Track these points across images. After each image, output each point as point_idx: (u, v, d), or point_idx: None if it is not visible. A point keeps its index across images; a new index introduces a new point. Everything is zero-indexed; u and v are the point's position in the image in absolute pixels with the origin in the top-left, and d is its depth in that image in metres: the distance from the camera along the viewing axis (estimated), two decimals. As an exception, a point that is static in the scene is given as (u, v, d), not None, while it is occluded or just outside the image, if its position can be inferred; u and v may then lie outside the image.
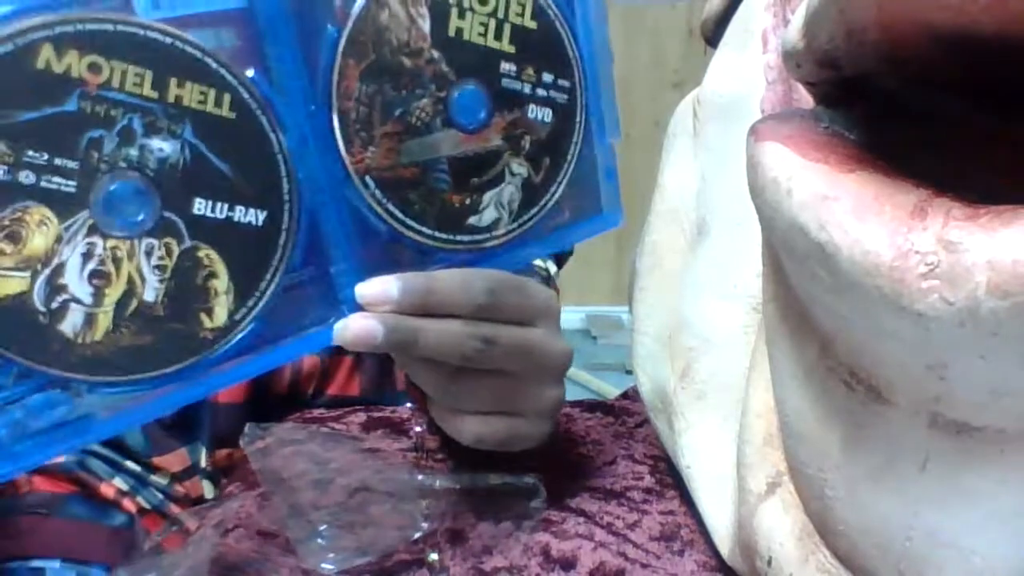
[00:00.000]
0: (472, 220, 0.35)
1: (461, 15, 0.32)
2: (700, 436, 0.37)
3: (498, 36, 0.33)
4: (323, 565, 0.36)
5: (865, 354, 0.22)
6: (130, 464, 0.51)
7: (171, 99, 0.27)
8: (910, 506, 0.22)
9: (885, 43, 0.20)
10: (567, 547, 0.38)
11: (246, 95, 0.28)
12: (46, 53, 0.24)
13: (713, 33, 0.39)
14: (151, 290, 0.27)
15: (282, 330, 0.31)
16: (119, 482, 0.50)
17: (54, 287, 0.26)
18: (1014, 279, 0.16)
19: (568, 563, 0.37)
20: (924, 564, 0.23)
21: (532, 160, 0.35)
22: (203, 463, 0.53)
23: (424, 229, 0.33)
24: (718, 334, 0.36)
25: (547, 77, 0.34)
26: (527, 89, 0.34)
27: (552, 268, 0.59)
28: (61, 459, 0.49)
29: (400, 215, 0.33)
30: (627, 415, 0.52)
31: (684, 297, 0.34)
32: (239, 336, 0.29)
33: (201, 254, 0.28)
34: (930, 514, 0.22)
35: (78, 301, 0.26)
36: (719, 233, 0.35)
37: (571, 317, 2.47)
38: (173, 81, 0.27)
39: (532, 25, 0.34)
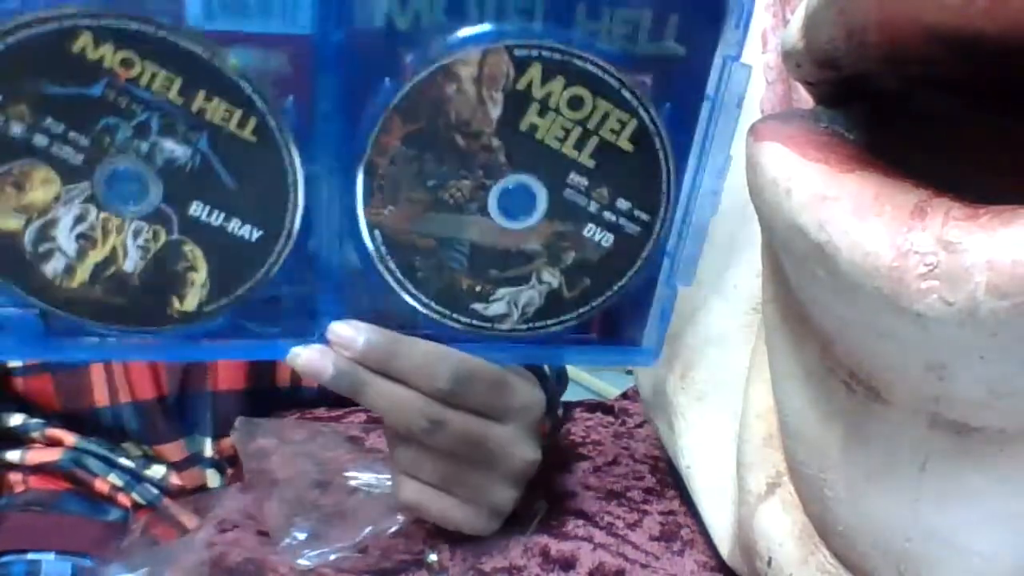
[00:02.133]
0: (477, 306, 0.32)
1: (542, 113, 0.29)
2: (700, 436, 0.37)
3: (579, 146, 0.29)
4: (299, 561, 0.36)
5: (865, 354, 0.22)
6: (124, 461, 0.51)
7: (195, 109, 0.27)
8: (910, 506, 0.22)
9: (885, 43, 0.20)
10: (567, 547, 0.38)
11: (272, 124, 0.28)
12: (84, 40, 0.25)
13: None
14: (131, 263, 0.29)
15: (253, 330, 0.31)
16: (114, 478, 0.50)
17: (44, 235, 0.28)
18: (1013, 280, 0.16)
19: (568, 563, 0.37)
20: (924, 564, 0.23)
21: (569, 275, 0.32)
22: (208, 452, 0.53)
23: (421, 296, 0.32)
24: (718, 334, 0.36)
25: (623, 204, 0.31)
26: (592, 207, 0.31)
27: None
28: (56, 457, 0.49)
29: (399, 275, 0.31)
30: (627, 415, 0.52)
31: (684, 297, 0.34)
32: (206, 324, 0.30)
33: (186, 248, 0.29)
34: (930, 514, 0.22)
35: (62, 252, 0.28)
36: (719, 233, 0.35)
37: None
38: (201, 94, 0.27)
39: (627, 147, 0.30)
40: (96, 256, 0.28)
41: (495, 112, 0.28)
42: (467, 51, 0.27)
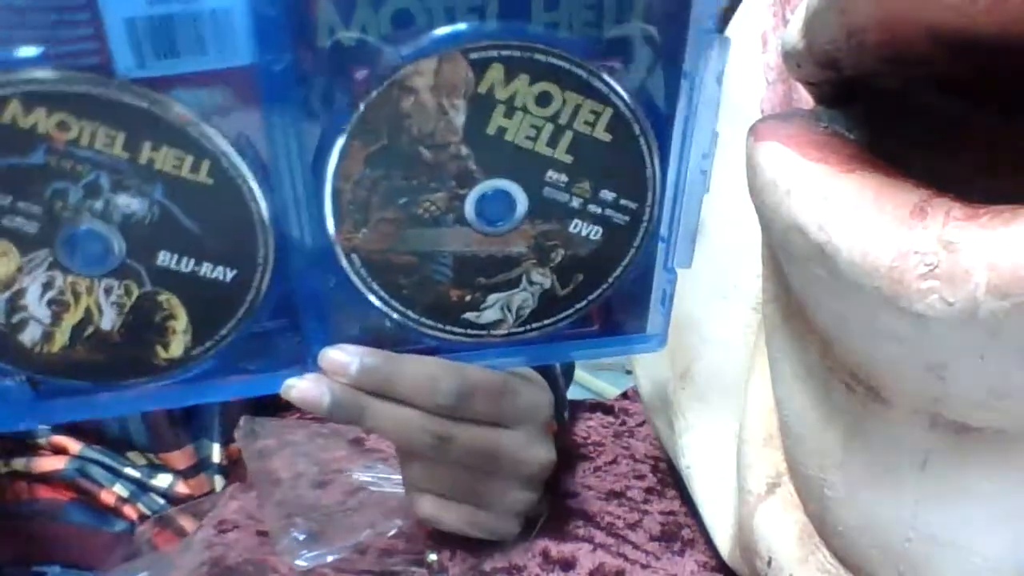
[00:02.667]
0: (469, 316, 0.31)
1: (509, 114, 0.27)
2: (700, 436, 0.37)
3: (552, 143, 0.28)
4: (297, 561, 0.36)
5: (865, 354, 0.22)
6: (130, 471, 0.51)
7: (143, 161, 0.25)
8: (910, 506, 0.22)
9: (885, 43, 0.20)
10: (567, 547, 0.38)
11: (227, 164, 0.26)
12: (12, 109, 0.24)
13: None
14: (108, 321, 0.28)
15: (245, 367, 0.30)
16: (119, 489, 0.50)
17: (14, 307, 0.27)
18: (1013, 279, 0.16)
19: (568, 564, 0.37)
20: (924, 564, 0.23)
21: (560, 273, 0.31)
22: (215, 458, 0.53)
23: (410, 313, 0.31)
24: (718, 334, 0.36)
25: (607, 195, 0.30)
26: (575, 203, 0.30)
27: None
28: (61, 466, 0.49)
29: (384, 295, 0.30)
30: (627, 415, 0.52)
31: (684, 297, 0.34)
32: (195, 368, 0.29)
33: (161, 298, 0.28)
34: (930, 514, 0.22)
35: (37, 320, 0.27)
36: (719, 233, 0.35)
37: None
38: (147, 145, 0.25)
39: (604, 137, 0.28)
40: (72, 319, 0.27)
41: (459, 120, 0.27)
42: (420, 62, 0.26)
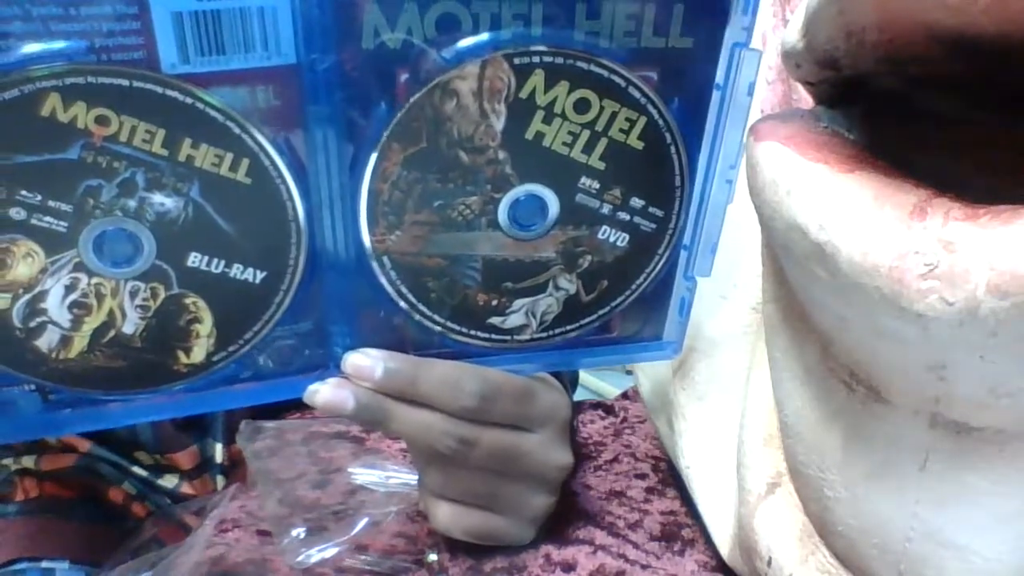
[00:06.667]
0: (494, 320, 0.31)
1: (547, 120, 0.27)
2: (700, 436, 0.37)
3: (587, 150, 0.28)
4: (299, 560, 0.36)
5: (865, 354, 0.22)
6: (137, 469, 0.51)
7: (182, 158, 0.25)
8: (910, 506, 0.22)
9: (885, 43, 0.20)
10: (567, 548, 0.38)
11: (267, 162, 0.26)
12: (52, 102, 0.23)
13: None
14: (131, 324, 0.27)
15: (265, 372, 0.30)
16: (127, 487, 0.50)
17: (34, 310, 0.26)
18: (1013, 279, 0.16)
19: (568, 565, 0.37)
20: (924, 564, 0.23)
21: (586, 279, 0.31)
22: (218, 458, 0.53)
23: (436, 317, 0.31)
24: (718, 334, 0.36)
25: (636, 202, 0.30)
26: (605, 209, 0.30)
27: None
28: (70, 463, 0.49)
29: (412, 298, 0.30)
30: (627, 415, 0.52)
31: (684, 297, 0.34)
32: (215, 373, 0.29)
33: (188, 301, 0.27)
34: (930, 514, 0.22)
35: (56, 324, 0.26)
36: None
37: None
38: (187, 142, 0.25)
39: (637, 145, 0.29)
40: (93, 322, 0.26)
41: (499, 124, 0.27)
42: (464, 65, 0.26)
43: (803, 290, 0.23)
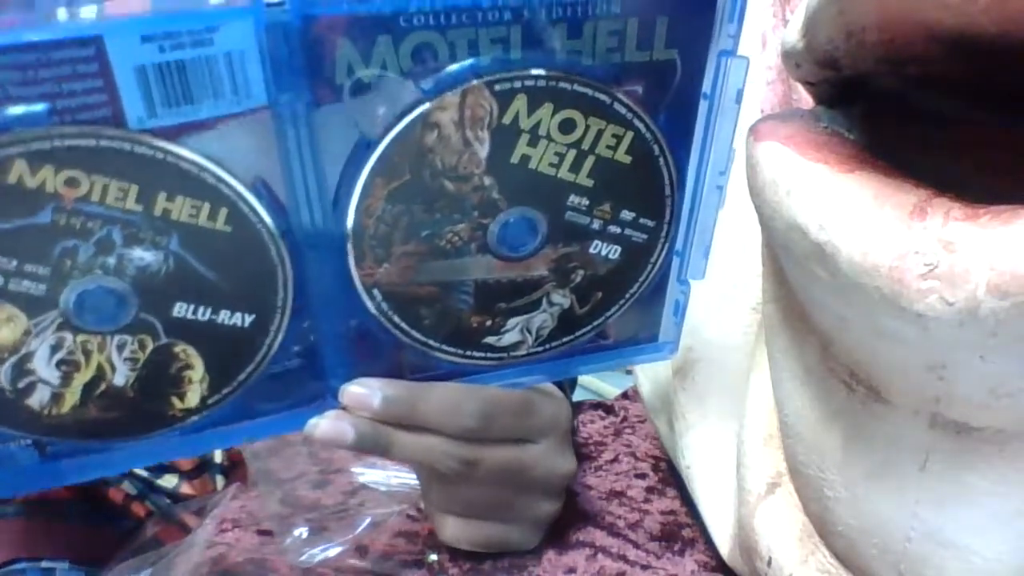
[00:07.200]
0: (490, 340, 0.31)
1: (533, 143, 0.27)
2: (700, 436, 0.37)
3: (575, 168, 0.28)
4: (299, 560, 0.36)
5: (865, 354, 0.22)
6: (137, 469, 0.51)
7: (158, 213, 0.24)
8: (910, 506, 0.22)
9: (885, 43, 0.20)
10: (568, 548, 0.38)
11: (245, 208, 0.25)
12: (18, 169, 0.22)
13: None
14: (121, 376, 0.26)
15: (262, 408, 0.29)
16: (127, 486, 0.50)
17: (21, 371, 0.25)
18: (1013, 279, 0.16)
19: (569, 565, 0.37)
20: (924, 564, 0.23)
21: (580, 292, 0.31)
22: (218, 458, 0.53)
23: (431, 342, 0.30)
24: (718, 334, 0.36)
25: (626, 215, 0.30)
26: (595, 225, 0.30)
27: None
28: None
29: (405, 327, 0.30)
30: (627, 415, 0.52)
31: (684, 297, 0.34)
32: (211, 414, 0.28)
33: (177, 349, 0.27)
34: (930, 514, 0.22)
35: (45, 382, 0.26)
36: (719, 233, 0.35)
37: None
38: (162, 195, 0.24)
39: (625, 159, 0.28)
40: (83, 378, 0.26)
41: (483, 151, 0.27)
42: (444, 96, 0.25)
43: (803, 290, 0.23)
